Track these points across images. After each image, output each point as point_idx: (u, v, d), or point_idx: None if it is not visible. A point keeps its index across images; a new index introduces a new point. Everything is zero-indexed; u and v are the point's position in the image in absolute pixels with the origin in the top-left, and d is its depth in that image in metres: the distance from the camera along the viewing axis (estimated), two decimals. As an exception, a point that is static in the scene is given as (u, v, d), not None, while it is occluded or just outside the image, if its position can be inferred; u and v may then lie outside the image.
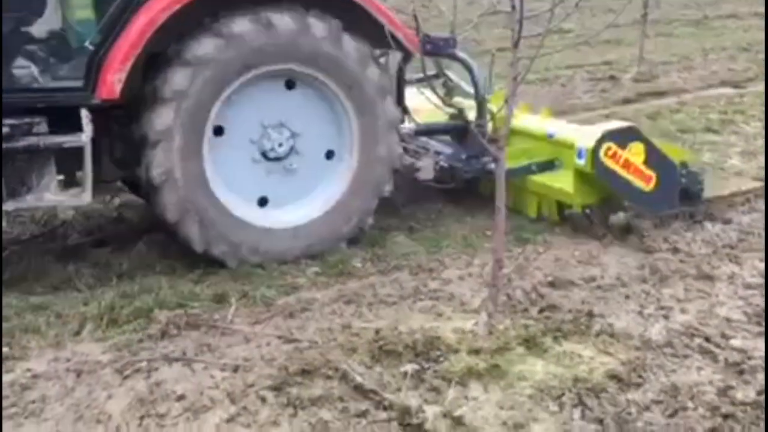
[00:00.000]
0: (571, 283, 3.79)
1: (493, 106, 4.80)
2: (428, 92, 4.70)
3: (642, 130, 4.47)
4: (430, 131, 5.06)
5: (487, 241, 4.31)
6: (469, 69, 4.78)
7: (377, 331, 3.28)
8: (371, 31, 4.13)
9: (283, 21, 3.89)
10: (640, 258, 4.07)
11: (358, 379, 2.91)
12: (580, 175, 4.33)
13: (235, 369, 3.09)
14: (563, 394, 2.82)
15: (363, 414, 2.73)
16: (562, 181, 4.46)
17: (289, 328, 3.43)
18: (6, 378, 3.08)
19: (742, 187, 4.94)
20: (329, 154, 4.28)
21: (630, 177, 4.26)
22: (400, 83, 5.06)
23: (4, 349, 3.26)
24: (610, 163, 4.22)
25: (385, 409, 2.76)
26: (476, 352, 3.07)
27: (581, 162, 4.25)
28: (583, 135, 4.35)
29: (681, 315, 3.43)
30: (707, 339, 3.20)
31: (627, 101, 7.86)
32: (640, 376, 2.93)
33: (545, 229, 4.52)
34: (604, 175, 4.25)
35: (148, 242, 4.34)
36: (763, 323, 3.33)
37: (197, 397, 2.88)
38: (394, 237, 4.51)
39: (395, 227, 4.66)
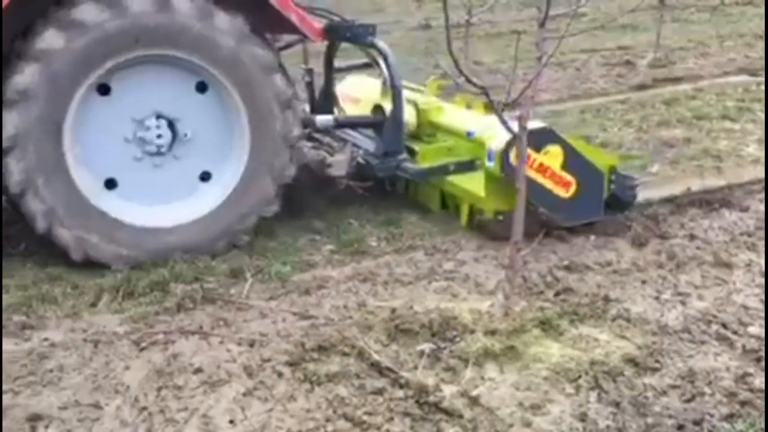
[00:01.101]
0: (586, 268, 3.78)
1: (419, 97, 4.66)
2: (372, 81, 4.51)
3: (561, 133, 4.09)
4: (351, 123, 4.74)
5: (501, 223, 4.28)
6: (384, 58, 4.43)
7: (393, 310, 3.28)
8: (267, 15, 3.89)
9: (137, 1, 3.58)
10: (657, 244, 4.05)
11: (375, 356, 2.91)
12: (491, 178, 4.02)
13: (252, 344, 3.10)
14: (579, 377, 2.82)
15: (380, 391, 2.73)
16: (475, 184, 4.14)
17: (304, 304, 3.44)
18: (24, 347, 3.10)
19: (759, 175, 4.90)
20: (202, 89, 3.96)
21: (545, 182, 3.94)
22: (329, 71, 4.92)
23: (22, 318, 3.29)
24: None
25: (401, 387, 2.77)
26: (492, 333, 3.07)
27: (491, 164, 3.94)
28: (495, 135, 3.96)
29: (698, 301, 3.42)
30: (724, 326, 3.19)
31: (642, 87, 7.79)
32: (656, 361, 2.92)
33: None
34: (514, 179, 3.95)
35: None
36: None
37: (214, 370, 2.90)
38: (408, 217, 4.50)
39: (408, 208, 4.64)
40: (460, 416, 2.60)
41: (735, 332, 3.14)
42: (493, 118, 4.33)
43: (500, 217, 4.03)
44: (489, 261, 3.89)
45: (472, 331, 3.09)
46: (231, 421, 2.62)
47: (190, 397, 2.75)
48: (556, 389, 2.76)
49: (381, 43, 4.49)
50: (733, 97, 7.13)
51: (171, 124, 3.90)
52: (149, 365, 2.95)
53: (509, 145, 3.80)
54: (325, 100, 4.99)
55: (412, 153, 4.49)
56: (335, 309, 3.38)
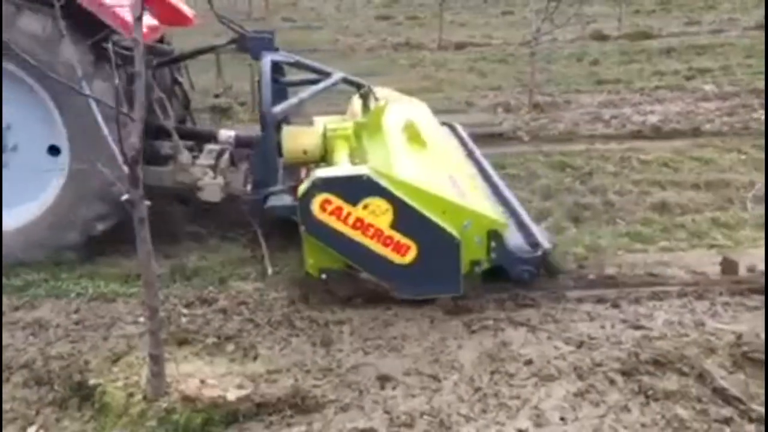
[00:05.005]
0: None
1: None
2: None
3: (389, 183, 3.20)
4: (248, 143, 4.27)
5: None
6: (260, 76, 4.09)
7: (738, 336, 3.01)
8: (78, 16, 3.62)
9: None
10: None
11: (720, 382, 2.70)
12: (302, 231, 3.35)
13: (579, 344, 3.07)
14: None
15: (726, 421, 2.54)
16: None
17: (635, 313, 3.32)
18: (370, 313, 3.42)
19: None
20: (53, 150, 3.91)
21: (367, 242, 3.19)
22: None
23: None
24: (329, 220, 3.19)
25: (751, 420, 2.54)
26: None
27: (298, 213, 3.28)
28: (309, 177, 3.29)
29: None
30: None
31: None
32: None
33: None
34: (320, 235, 3.22)
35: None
36: None
37: (544, 364, 2.93)
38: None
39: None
40: (826, 468, 2.31)
41: None
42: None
43: (323, 276, 3.36)
44: None
45: (839, 375, 2.71)
46: (562, 419, 2.63)
47: (521, 387, 2.81)
48: None
49: (267, 61, 4.14)
50: None
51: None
52: (480, 348, 3.08)
53: (309, 192, 3.16)
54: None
55: None
56: (668, 324, 3.21)
